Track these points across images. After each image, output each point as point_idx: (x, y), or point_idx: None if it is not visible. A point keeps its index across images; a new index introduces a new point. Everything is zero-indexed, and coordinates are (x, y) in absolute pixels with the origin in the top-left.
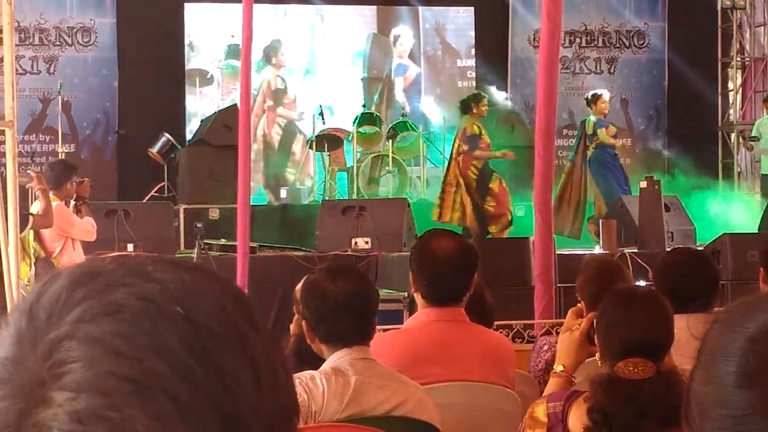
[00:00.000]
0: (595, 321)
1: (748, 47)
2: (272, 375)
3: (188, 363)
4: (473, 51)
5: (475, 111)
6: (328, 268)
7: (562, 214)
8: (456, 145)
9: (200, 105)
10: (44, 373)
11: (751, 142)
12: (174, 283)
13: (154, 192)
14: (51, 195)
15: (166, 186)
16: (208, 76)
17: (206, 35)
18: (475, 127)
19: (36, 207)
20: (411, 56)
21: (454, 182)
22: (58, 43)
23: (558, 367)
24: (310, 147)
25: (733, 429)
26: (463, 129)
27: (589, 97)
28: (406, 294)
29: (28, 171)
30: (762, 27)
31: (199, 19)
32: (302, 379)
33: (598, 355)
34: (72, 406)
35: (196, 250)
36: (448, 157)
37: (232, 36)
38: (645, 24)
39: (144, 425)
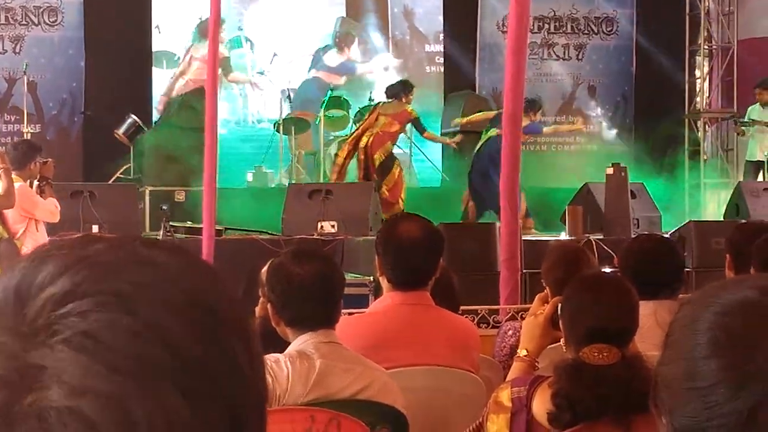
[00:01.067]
0: (560, 306)
1: (715, 35)
2: (259, 358)
3: (194, 349)
4: (441, 36)
5: (404, 100)
6: (294, 251)
7: None
8: (380, 121)
9: (167, 86)
10: (45, 351)
11: (743, 128)
12: (169, 265)
13: (120, 173)
14: (14, 175)
15: (132, 168)
16: (176, 58)
17: (174, 16)
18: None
19: None
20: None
21: (352, 153)
22: (24, 22)
23: (522, 352)
24: (277, 130)
25: (699, 401)
26: (408, 111)
27: None
28: (371, 278)
29: None
30: (728, 15)
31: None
32: (267, 361)
33: (562, 340)
34: (71, 387)
35: (161, 232)
36: (356, 126)
37: (200, 18)
38: (614, 10)
39: (146, 411)
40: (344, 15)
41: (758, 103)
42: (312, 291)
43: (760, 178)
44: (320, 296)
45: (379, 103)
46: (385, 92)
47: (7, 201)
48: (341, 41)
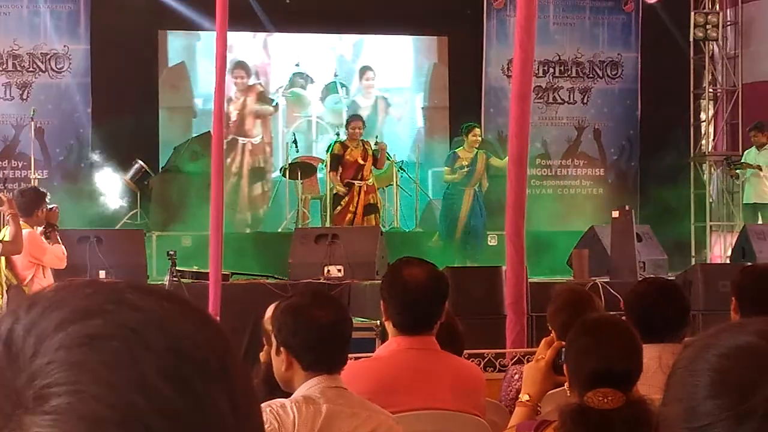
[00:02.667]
0: (564, 350)
1: (720, 79)
2: (248, 404)
3: (169, 395)
4: (447, 80)
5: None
6: (312, 293)
7: None
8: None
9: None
10: (28, 398)
11: (737, 171)
12: (155, 311)
13: (127, 219)
14: (22, 222)
15: (138, 213)
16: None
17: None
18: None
19: (4, 233)
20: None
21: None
22: (31, 69)
23: (524, 397)
24: (284, 175)
25: None
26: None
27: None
28: (378, 322)
29: None
30: (733, 59)
31: (174, 47)
32: (273, 407)
33: (567, 384)
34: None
35: (168, 277)
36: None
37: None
38: (618, 54)
39: None
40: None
41: (754, 147)
42: (333, 333)
43: (760, 221)
44: (338, 340)
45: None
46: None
47: (14, 247)
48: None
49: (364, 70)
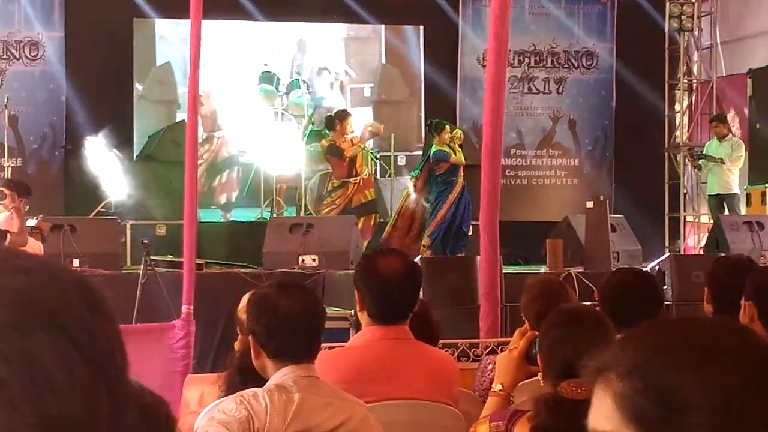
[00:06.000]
0: (537, 340)
1: (695, 69)
2: (98, 357)
3: (15, 343)
4: (422, 71)
5: (338, 129)
6: (278, 283)
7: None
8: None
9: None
10: None
11: (699, 162)
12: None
13: (101, 207)
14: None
15: (112, 202)
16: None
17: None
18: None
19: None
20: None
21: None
22: (5, 56)
23: (496, 386)
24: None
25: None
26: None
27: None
28: (352, 312)
29: (1, 189)
30: (708, 49)
31: (149, 34)
32: (244, 396)
33: (540, 374)
34: None
35: (142, 266)
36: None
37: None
38: (594, 45)
39: None
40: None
41: (715, 138)
42: (298, 322)
43: (726, 211)
44: (305, 328)
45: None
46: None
47: (21, 238)
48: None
49: (329, 61)
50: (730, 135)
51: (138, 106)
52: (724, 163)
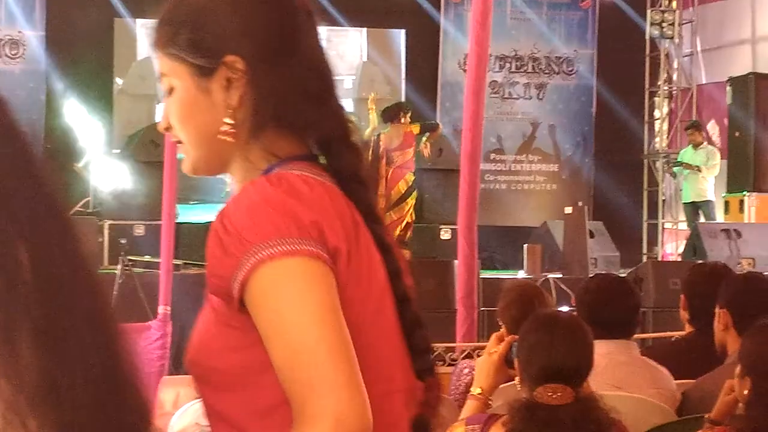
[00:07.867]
0: (515, 345)
1: (675, 77)
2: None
3: None
4: (403, 73)
5: (402, 121)
6: None
7: None
8: (393, 158)
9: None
10: None
11: (674, 169)
12: None
13: (79, 207)
14: None
15: (91, 201)
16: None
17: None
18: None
19: None
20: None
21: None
22: None
23: (475, 390)
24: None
25: None
26: (410, 131)
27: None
28: None
29: None
30: (689, 57)
31: (129, 35)
32: None
33: (517, 379)
34: None
35: (119, 267)
36: None
37: None
38: (574, 51)
39: None
40: None
41: (690, 145)
42: None
43: (702, 218)
44: None
45: (378, 134)
46: (382, 117)
47: None
48: None
49: None
50: (705, 143)
51: (117, 100)
52: (700, 171)
